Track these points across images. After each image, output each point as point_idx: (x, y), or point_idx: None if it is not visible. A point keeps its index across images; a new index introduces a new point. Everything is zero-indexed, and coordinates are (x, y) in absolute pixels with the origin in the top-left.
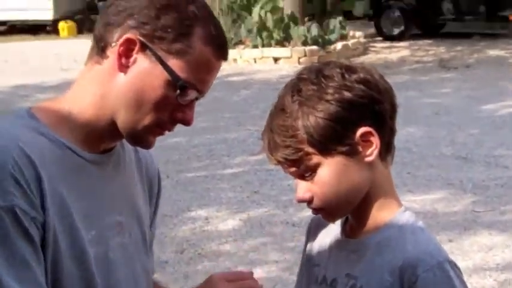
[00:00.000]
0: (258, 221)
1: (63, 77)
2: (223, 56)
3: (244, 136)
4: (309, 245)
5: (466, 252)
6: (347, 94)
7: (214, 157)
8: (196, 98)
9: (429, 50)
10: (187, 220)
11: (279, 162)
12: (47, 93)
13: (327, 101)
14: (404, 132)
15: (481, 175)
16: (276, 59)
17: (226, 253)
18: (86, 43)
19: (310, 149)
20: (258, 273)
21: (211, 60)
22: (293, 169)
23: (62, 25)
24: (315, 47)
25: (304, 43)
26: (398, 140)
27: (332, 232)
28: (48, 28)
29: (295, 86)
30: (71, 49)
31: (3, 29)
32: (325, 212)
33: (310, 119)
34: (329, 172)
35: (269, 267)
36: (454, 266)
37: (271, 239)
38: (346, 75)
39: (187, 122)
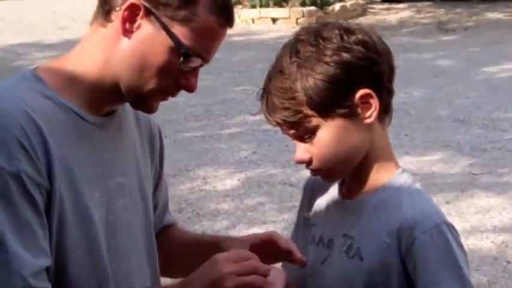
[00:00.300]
0: (256, 181)
1: (61, 35)
2: (229, 24)
3: (242, 96)
4: (305, 206)
5: (463, 214)
6: (346, 56)
7: (211, 117)
8: (201, 65)
9: (428, 12)
10: (185, 180)
11: (277, 124)
12: (45, 51)
13: (326, 62)
14: (402, 95)
15: (478, 138)
16: (274, 20)
17: (224, 213)
18: (83, 1)
19: (309, 111)
20: (256, 232)
21: (216, 28)
22: (292, 131)
23: None
24: (313, 8)
25: (303, 4)
26: (396, 102)
27: (329, 193)
28: None
29: (293, 47)
30: (68, 7)
31: None
32: (323, 172)
33: (309, 80)
34: (328, 134)
35: (267, 227)
36: (451, 228)
37: (269, 198)
38: (345, 37)
39: (190, 89)
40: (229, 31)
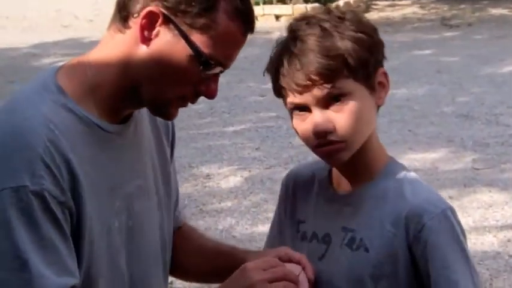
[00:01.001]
0: (259, 178)
1: (64, 33)
2: (250, 30)
3: (246, 93)
4: (288, 202)
5: (465, 209)
6: (373, 34)
7: (215, 114)
8: (221, 71)
9: (432, 9)
10: (189, 177)
11: (310, 79)
12: (50, 50)
13: (358, 31)
14: (405, 91)
15: (481, 133)
16: (277, 17)
17: (227, 209)
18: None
19: (347, 72)
20: (259, 229)
21: (237, 35)
22: (324, 90)
23: None
24: (316, 5)
25: (306, 0)
26: (400, 98)
27: (313, 187)
28: None
29: (314, 23)
30: (71, 5)
31: None
32: (343, 145)
33: (348, 42)
34: (359, 102)
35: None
36: (454, 212)
37: (272, 195)
38: (361, 19)
39: (210, 95)
40: None
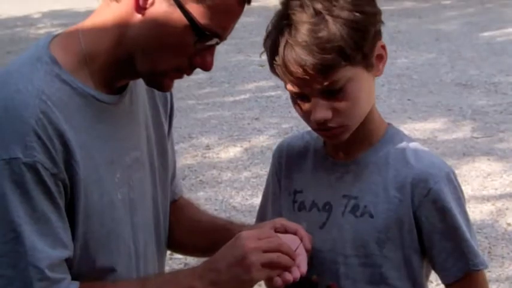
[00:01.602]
0: (258, 149)
1: (61, 2)
2: (247, 0)
3: (245, 63)
4: (282, 172)
5: (464, 177)
6: (367, 7)
7: (214, 84)
8: (217, 43)
9: None
10: (188, 147)
11: (307, 74)
12: (47, 20)
13: (351, 11)
14: (404, 60)
15: (480, 101)
16: None
17: (227, 180)
18: None
19: (344, 62)
20: (259, 200)
21: (234, 5)
22: (320, 84)
23: None
24: None
25: None
26: (399, 67)
27: (308, 156)
28: None
29: (315, 3)
30: None
31: None
32: (342, 129)
33: (344, 30)
34: (358, 86)
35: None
36: (455, 175)
37: None
38: None
39: (206, 67)
40: None
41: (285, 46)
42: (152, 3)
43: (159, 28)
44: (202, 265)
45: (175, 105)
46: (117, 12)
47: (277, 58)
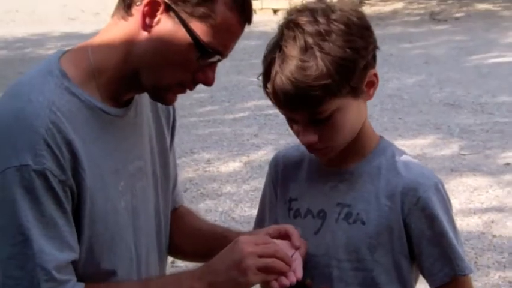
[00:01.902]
0: (257, 163)
1: (71, 26)
2: (248, 21)
3: (244, 83)
4: (278, 181)
5: (452, 192)
6: (359, 41)
7: (215, 103)
8: (218, 60)
9: (421, 3)
10: (190, 161)
11: (294, 110)
12: (57, 42)
13: (347, 45)
14: (396, 81)
15: (467, 121)
16: (275, 11)
17: (227, 193)
18: None
19: (330, 96)
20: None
21: (235, 26)
22: (307, 115)
23: None
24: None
25: None
26: (391, 87)
27: (303, 167)
28: None
29: (298, 30)
30: (77, 1)
31: None
32: (328, 150)
33: (332, 66)
34: (343, 115)
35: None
36: (443, 185)
37: None
38: (349, 22)
39: (208, 83)
40: None
41: (275, 76)
42: (158, 22)
43: (164, 45)
44: (202, 268)
45: (179, 122)
46: (125, 30)
47: (268, 85)
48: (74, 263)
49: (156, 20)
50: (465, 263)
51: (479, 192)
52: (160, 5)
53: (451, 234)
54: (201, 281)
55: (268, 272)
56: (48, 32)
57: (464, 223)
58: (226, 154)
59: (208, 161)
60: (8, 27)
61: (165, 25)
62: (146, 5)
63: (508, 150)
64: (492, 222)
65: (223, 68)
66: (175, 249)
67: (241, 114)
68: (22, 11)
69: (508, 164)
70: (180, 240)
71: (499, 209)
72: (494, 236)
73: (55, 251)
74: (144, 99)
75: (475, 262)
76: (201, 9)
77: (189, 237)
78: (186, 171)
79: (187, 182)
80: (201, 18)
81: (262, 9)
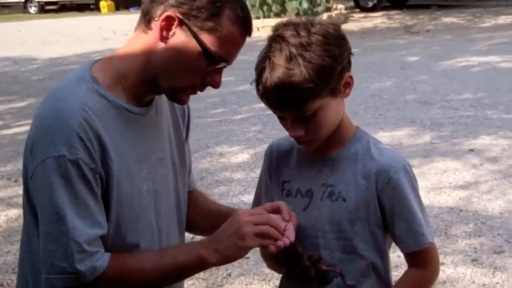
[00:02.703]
0: (261, 154)
1: (105, 45)
2: (248, 33)
3: (250, 88)
4: (273, 167)
5: (425, 174)
6: (335, 49)
7: (226, 105)
8: (224, 66)
9: (397, 19)
10: (206, 155)
11: (282, 107)
12: (93, 58)
13: (326, 54)
14: (376, 83)
15: (437, 115)
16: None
17: (237, 180)
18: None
19: (313, 97)
20: None
21: (237, 37)
22: (294, 114)
23: (103, 3)
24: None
25: (297, 15)
26: (373, 89)
27: (293, 154)
28: (91, 6)
29: (284, 42)
30: (110, 23)
31: (55, 7)
32: (313, 142)
33: (313, 72)
34: (325, 113)
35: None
36: (411, 167)
37: None
38: (327, 34)
39: (215, 86)
40: None
41: (265, 82)
42: (173, 34)
43: (178, 54)
44: (208, 238)
45: (195, 122)
46: (145, 42)
47: (260, 89)
48: (103, 238)
49: (171, 32)
50: (428, 233)
51: (448, 174)
52: (175, 20)
53: (416, 209)
54: (207, 248)
55: (263, 237)
56: (85, 50)
57: (436, 200)
58: (236, 148)
59: (221, 154)
60: (51, 48)
61: (179, 37)
62: (163, 20)
63: (472, 138)
64: (459, 199)
65: (232, 76)
66: (190, 226)
67: (248, 115)
68: (63, 34)
69: (472, 150)
70: (194, 217)
71: (465, 188)
72: (461, 210)
73: (86, 228)
74: (163, 100)
75: (446, 232)
76: (209, 24)
77: (201, 215)
78: (202, 162)
79: (204, 172)
80: (209, 31)
81: (264, 26)
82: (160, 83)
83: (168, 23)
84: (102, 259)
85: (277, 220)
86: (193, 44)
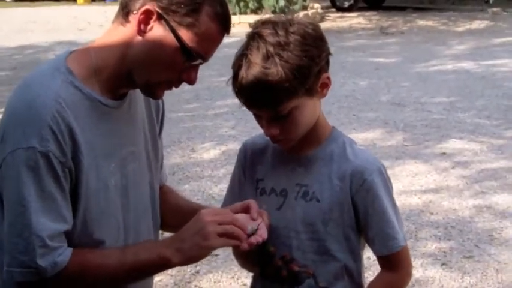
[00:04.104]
0: (233, 151)
1: (79, 35)
2: (226, 31)
3: (224, 84)
4: (247, 165)
5: (397, 176)
6: (313, 50)
7: (199, 100)
8: (200, 63)
9: (372, 20)
10: (177, 149)
11: (257, 107)
12: (67, 48)
13: (298, 56)
14: (351, 84)
15: (410, 117)
16: (250, 24)
17: (208, 175)
18: (97, 9)
19: (289, 96)
20: None
21: (215, 34)
22: (270, 113)
23: None
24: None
25: (273, 12)
26: (346, 89)
27: (267, 152)
28: None
29: (261, 40)
30: (85, 14)
31: None
32: (288, 141)
33: (290, 72)
34: (301, 112)
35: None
36: (385, 168)
37: None
38: (306, 34)
39: (191, 82)
40: None
41: (241, 80)
42: (151, 28)
43: (155, 48)
44: (171, 237)
45: (168, 116)
46: (123, 34)
47: (236, 87)
48: (69, 234)
49: (149, 26)
50: (401, 236)
51: (420, 177)
52: (153, 14)
53: (390, 211)
54: (170, 247)
55: (227, 237)
56: (60, 40)
57: (407, 202)
58: (208, 143)
59: (193, 149)
60: (27, 35)
61: (157, 31)
62: (142, 13)
63: (444, 142)
64: (430, 202)
65: (207, 72)
66: (160, 222)
67: (221, 110)
68: (39, 22)
69: (444, 153)
70: (164, 214)
71: (436, 191)
72: (431, 213)
73: (50, 222)
74: (137, 94)
75: (415, 235)
76: (188, 19)
77: (171, 211)
78: (174, 157)
79: (175, 167)
80: (188, 26)
81: (240, 23)
82: (135, 77)
83: (146, 17)
84: (64, 254)
85: (242, 220)
86: (170, 39)
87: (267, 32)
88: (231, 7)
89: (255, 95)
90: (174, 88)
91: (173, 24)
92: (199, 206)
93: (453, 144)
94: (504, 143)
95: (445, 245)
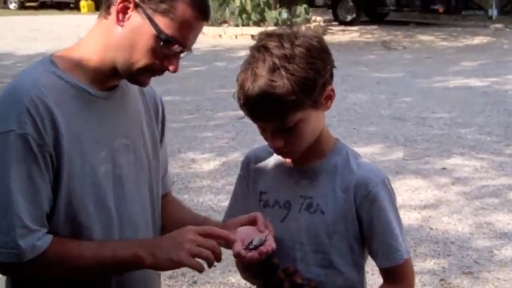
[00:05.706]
0: (233, 163)
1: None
2: (204, 17)
3: (226, 95)
4: (250, 177)
5: (396, 191)
6: (318, 62)
7: (200, 111)
8: (181, 51)
9: (374, 34)
10: (177, 160)
11: (262, 119)
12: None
13: (310, 67)
14: (352, 97)
15: (411, 132)
16: (252, 36)
17: (207, 186)
18: None
19: (294, 109)
20: None
21: (193, 20)
22: (275, 126)
23: (83, 3)
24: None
25: (276, 24)
26: (347, 103)
27: (271, 164)
28: (71, 5)
29: (267, 53)
30: (89, 22)
31: (35, 4)
32: (293, 152)
33: (296, 85)
34: (306, 125)
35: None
36: (389, 180)
37: None
38: (311, 47)
39: (172, 70)
40: (217, 44)
41: (247, 92)
42: (129, 18)
43: (134, 36)
44: (151, 240)
45: (169, 126)
46: (105, 26)
47: (242, 100)
48: (52, 217)
49: (127, 16)
50: (404, 249)
51: (419, 192)
52: (130, 3)
53: (394, 224)
54: (145, 250)
55: (201, 258)
56: (63, 47)
57: (406, 217)
58: (208, 154)
59: (193, 160)
60: (29, 44)
61: (135, 20)
62: (119, 3)
63: (445, 157)
64: (429, 217)
65: (208, 83)
66: (163, 232)
67: (222, 122)
68: (42, 31)
69: (444, 168)
70: (168, 224)
71: (436, 207)
72: (431, 228)
73: (29, 204)
74: (133, 91)
75: (414, 250)
76: (163, 6)
77: (175, 222)
78: (174, 167)
79: (175, 177)
80: (163, 13)
81: (242, 34)
82: (118, 66)
83: (124, 7)
84: (43, 239)
85: (251, 233)
86: (147, 26)
87: (272, 44)
88: (234, 19)
89: (261, 107)
90: (173, 96)
91: (149, 11)
92: (205, 219)
93: (454, 160)
94: (505, 160)
95: (444, 260)
